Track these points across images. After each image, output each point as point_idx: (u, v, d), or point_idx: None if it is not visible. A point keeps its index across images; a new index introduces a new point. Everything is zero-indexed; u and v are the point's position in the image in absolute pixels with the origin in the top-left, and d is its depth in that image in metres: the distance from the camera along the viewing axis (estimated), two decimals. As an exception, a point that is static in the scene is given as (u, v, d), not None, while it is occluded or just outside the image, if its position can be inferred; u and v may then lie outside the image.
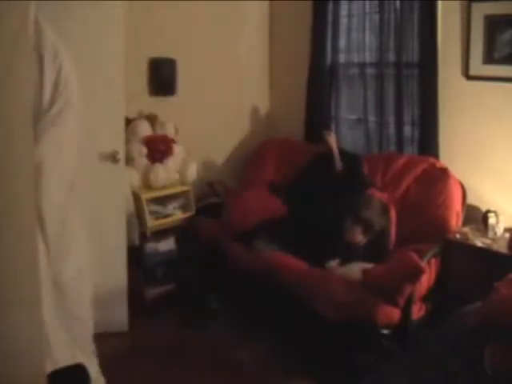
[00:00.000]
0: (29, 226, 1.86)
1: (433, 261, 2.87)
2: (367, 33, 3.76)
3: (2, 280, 1.75)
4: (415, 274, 2.61)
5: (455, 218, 3.07)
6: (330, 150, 3.52)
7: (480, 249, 2.81)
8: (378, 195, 3.22)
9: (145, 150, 3.50)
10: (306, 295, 2.83)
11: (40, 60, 2.03)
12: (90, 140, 3.02)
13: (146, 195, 3.46)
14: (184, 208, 3.68)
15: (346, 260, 2.99)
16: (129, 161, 3.39)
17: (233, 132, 4.36)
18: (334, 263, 3.00)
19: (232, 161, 4.36)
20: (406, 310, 2.66)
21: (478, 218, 3.04)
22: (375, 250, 3.02)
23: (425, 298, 2.84)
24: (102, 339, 3.05)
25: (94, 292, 2.65)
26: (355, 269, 2.86)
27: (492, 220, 2.91)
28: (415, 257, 2.67)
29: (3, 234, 1.74)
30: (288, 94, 4.41)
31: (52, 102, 2.05)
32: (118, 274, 3.21)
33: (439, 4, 3.22)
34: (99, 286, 3.09)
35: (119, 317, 3.25)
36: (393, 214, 3.17)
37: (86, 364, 2.24)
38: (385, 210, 3.12)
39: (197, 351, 3.07)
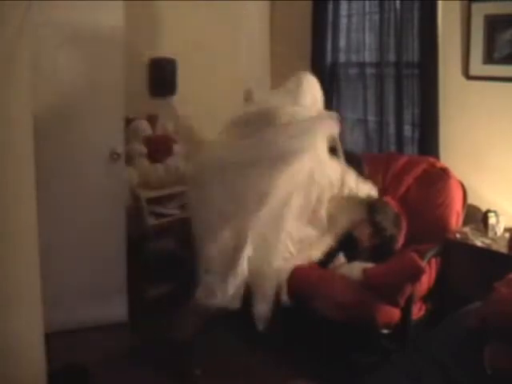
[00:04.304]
0: (30, 227, 1.86)
1: (433, 261, 2.87)
2: (367, 33, 3.76)
3: (3, 281, 1.75)
4: (416, 274, 2.61)
5: (455, 218, 3.07)
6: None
7: (480, 249, 2.81)
8: (393, 204, 3.19)
9: (145, 150, 3.50)
10: (306, 295, 2.83)
11: None
12: (90, 139, 3.06)
13: (145, 195, 3.45)
14: (184, 208, 3.68)
15: (350, 258, 2.99)
16: (129, 161, 3.40)
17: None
18: (340, 257, 3.01)
19: (232, 161, 4.35)
20: (405, 310, 2.66)
21: (478, 218, 3.04)
22: (380, 254, 3.00)
23: (425, 298, 2.84)
24: (100, 340, 3.09)
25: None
26: (356, 269, 2.86)
27: (492, 220, 2.91)
28: (416, 257, 2.66)
29: (4, 236, 1.74)
30: (288, 93, 4.40)
31: None
32: (117, 271, 3.24)
33: (439, 4, 3.22)
34: (99, 282, 3.15)
35: (119, 317, 3.27)
36: (404, 224, 3.13)
37: None
38: (397, 219, 3.09)
39: (196, 351, 3.06)
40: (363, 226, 3.02)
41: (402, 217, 3.16)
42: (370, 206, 3.05)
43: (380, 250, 3.02)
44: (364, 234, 3.02)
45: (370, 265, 2.86)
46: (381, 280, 2.69)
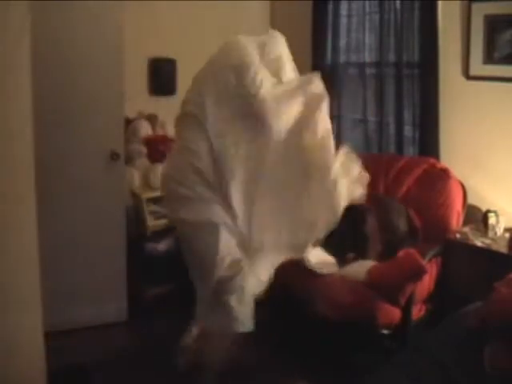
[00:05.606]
0: (30, 227, 1.86)
1: (433, 261, 2.87)
2: (367, 33, 3.76)
3: (2, 281, 1.75)
4: (417, 273, 2.61)
5: (456, 218, 3.07)
6: None
7: (480, 249, 2.81)
8: (416, 221, 3.13)
9: (145, 150, 3.51)
10: (307, 295, 2.83)
11: None
12: (90, 139, 3.07)
13: (145, 195, 3.45)
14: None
15: (360, 255, 2.97)
16: (129, 161, 3.40)
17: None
18: (351, 255, 2.99)
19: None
20: (406, 310, 2.66)
21: (479, 218, 3.04)
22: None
23: (425, 298, 2.84)
24: (100, 340, 3.09)
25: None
26: (361, 269, 2.84)
27: (492, 220, 2.91)
28: (417, 256, 2.66)
29: (4, 236, 1.74)
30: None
31: None
32: (117, 271, 3.25)
33: (439, 4, 3.22)
34: (99, 282, 3.15)
35: (119, 317, 3.27)
36: (419, 238, 3.09)
37: None
38: (413, 231, 3.07)
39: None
40: (373, 221, 2.98)
41: (419, 232, 3.11)
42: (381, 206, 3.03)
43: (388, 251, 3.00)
44: (372, 228, 2.99)
45: (374, 263, 2.85)
46: (383, 279, 2.69)
